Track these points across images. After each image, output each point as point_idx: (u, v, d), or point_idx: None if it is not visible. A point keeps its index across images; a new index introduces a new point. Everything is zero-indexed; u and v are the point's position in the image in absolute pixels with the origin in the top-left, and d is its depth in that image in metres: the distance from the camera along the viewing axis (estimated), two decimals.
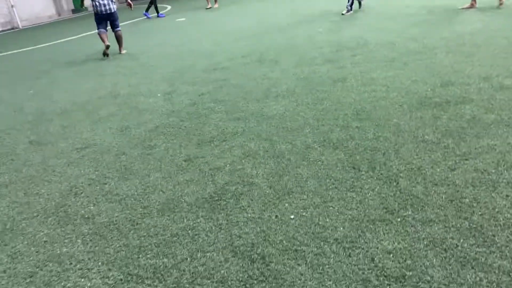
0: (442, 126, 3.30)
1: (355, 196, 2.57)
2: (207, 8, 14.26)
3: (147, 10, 13.65)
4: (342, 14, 9.08)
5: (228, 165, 3.17)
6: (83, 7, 8.29)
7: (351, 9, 9.11)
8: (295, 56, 6.16)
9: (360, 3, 9.56)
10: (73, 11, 20.72)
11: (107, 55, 7.99)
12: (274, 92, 4.70)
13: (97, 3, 7.61)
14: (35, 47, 11.00)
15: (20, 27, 17.00)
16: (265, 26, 9.22)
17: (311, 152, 3.18)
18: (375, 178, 2.73)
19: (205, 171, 3.13)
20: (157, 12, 13.83)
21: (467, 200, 2.38)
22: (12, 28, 16.93)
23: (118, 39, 8.09)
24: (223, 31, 9.35)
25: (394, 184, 2.63)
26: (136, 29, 11.32)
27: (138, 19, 13.97)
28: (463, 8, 7.93)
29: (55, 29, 15.27)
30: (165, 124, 4.20)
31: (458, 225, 2.19)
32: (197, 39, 8.88)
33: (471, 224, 2.18)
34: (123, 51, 8.26)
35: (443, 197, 2.43)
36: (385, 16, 8.40)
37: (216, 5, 14.53)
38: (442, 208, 2.34)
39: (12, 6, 17.01)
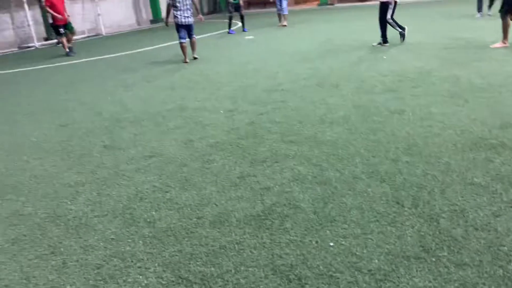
0: (494, 170, 3.30)
1: (394, 231, 2.69)
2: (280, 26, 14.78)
3: (229, 27, 14.37)
4: (373, 45, 9.25)
5: (277, 186, 3.40)
6: (166, 24, 9.86)
7: (387, 41, 9.12)
8: (355, 82, 6.30)
9: (402, 36, 9.32)
10: (151, 22, 22.20)
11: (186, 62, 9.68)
12: (330, 118, 4.88)
13: (179, 16, 9.22)
14: (115, 54, 12.00)
15: (104, 34, 18.53)
16: (329, 49, 9.40)
17: (358, 183, 3.33)
18: (416, 215, 2.82)
19: (255, 190, 3.38)
20: (229, 28, 14.48)
21: (505, 248, 2.42)
22: (97, 35, 18.50)
23: (192, 45, 9.79)
24: (288, 52, 9.67)
25: (435, 223, 2.71)
26: (206, 46, 11.97)
27: (209, 34, 14.72)
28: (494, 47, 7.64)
29: (134, 38, 16.49)
30: (224, 140, 4.53)
31: (492, 272, 2.25)
32: (262, 58, 9.26)
33: (505, 273, 2.23)
34: (196, 55, 9.83)
35: (482, 242, 2.49)
36: (452, 48, 8.25)
37: (285, 23, 14.95)
38: (479, 253, 2.40)
39: (98, 15, 18.62)
